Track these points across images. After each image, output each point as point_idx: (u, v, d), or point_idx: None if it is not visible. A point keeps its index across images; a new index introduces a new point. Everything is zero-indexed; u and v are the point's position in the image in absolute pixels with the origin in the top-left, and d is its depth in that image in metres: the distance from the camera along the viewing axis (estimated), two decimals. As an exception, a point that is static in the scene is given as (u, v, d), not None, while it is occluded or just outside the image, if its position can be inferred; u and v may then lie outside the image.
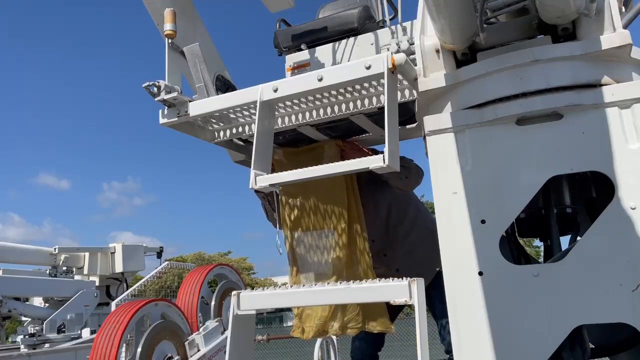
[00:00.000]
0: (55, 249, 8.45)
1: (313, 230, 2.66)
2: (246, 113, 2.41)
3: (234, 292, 1.95)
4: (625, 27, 1.68)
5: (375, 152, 2.71)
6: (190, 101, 2.31)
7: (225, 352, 2.03)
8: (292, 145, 2.76)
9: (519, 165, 1.68)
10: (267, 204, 2.99)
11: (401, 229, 2.98)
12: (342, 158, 2.57)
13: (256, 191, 2.98)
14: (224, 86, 2.70)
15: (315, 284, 2.01)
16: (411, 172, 2.76)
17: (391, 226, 2.97)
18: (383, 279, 1.83)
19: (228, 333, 1.99)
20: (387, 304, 2.57)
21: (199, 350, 4.01)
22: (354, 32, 2.80)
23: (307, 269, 2.67)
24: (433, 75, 1.86)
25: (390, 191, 2.92)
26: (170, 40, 2.34)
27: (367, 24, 2.82)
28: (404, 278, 1.71)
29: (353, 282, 1.80)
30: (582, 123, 1.63)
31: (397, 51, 2.19)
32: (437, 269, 2.77)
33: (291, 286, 2.03)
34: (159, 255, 10.20)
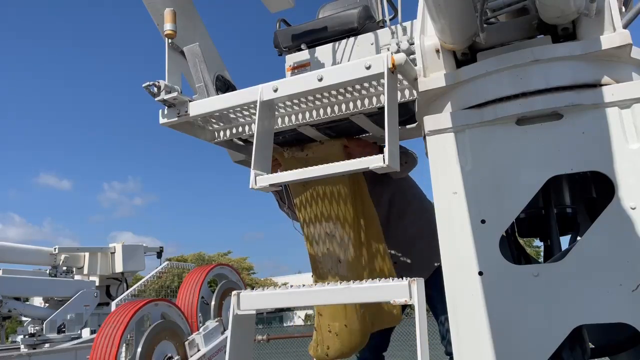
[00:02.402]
0: (55, 249, 8.44)
1: (324, 230, 2.68)
2: (246, 113, 2.41)
3: (234, 292, 1.94)
4: (625, 27, 1.68)
5: (381, 148, 2.73)
6: (190, 101, 2.31)
7: (225, 352, 2.03)
8: (297, 147, 2.77)
9: (519, 165, 1.68)
10: (279, 198, 3.02)
11: (402, 223, 2.99)
12: (348, 155, 2.58)
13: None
14: (224, 86, 2.70)
15: (315, 284, 2.01)
16: (409, 156, 2.79)
17: (392, 220, 2.98)
18: (383, 278, 1.83)
19: (228, 333, 1.99)
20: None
21: (199, 350, 4.00)
22: (354, 32, 2.80)
23: (324, 268, 2.69)
24: (433, 75, 1.86)
25: (393, 185, 2.94)
26: (170, 40, 2.34)
27: (367, 24, 2.82)
28: (404, 278, 1.71)
29: (353, 282, 1.80)
30: (582, 123, 1.63)
31: (397, 51, 2.19)
32: (436, 265, 2.78)
33: (292, 286, 2.03)
34: (159, 255, 10.21)
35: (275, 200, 3.13)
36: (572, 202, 2.01)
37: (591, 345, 1.95)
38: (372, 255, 2.67)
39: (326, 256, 2.68)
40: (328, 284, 1.86)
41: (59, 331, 7.47)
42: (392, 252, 3.01)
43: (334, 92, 2.21)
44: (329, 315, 2.64)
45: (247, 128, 2.53)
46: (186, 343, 4.00)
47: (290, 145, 2.78)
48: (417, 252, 2.98)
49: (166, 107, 2.33)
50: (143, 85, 2.23)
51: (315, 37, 2.88)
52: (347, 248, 2.63)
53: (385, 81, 1.86)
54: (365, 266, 2.65)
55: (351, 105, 2.28)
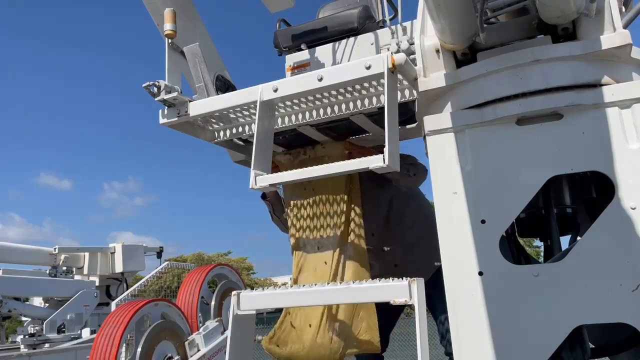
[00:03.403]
0: (55, 249, 8.44)
1: (313, 231, 2.65)
2: (246, 113, 2.41)
3: (234, 292, 1.95)
4: (625, 27, 1.68)
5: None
6: (190, 101, 2.31)
7: (225, 352, 2.03)
8: (298, 147, 2.75)
9: (519, 165, 1.68)
10: (272, 210, 3.01)
11: (401, 224, 2.98)
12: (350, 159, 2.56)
13: (263, 197, 3.00)
14: (224, 86, 2.70)
15: (315, 284, 2.01)
16: (418, 168, 2.77)
17: (392, 221, 2.97)
18: (383, 278, 1.83)
19: (228, 333, 1.99)
20: (388, 306, 2.56)
21: (199, 350, 4.00)
22: (354, 32, 2.80)
23: (307, 269, 2.65)
24: (433, 75, 1.86)
25: (392, 187, 2.92)
26: (170, 40, 2.34)
27: (367, 24, 2.82)
28: (404, 278, 1.71)
29: (353, 282, 1.81)
30: (582, 123, 1.63)
31: (397, 51, 2.19)
32: (437, 265, 2.77)
33: (291, 286, 2.03)
34: (159, 255, 10.20)
35: (264, 198, 3.10)
36: (572, 202, 2.01)
37: (591, 345, 1.95)
38: (354, 256, 2.61)
39: (312, 257, 2.63)
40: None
41: (59, 331, 7.47)
42: (393, 253, 3.00)
43: (334, 92, 2.21)
44: (297, 315, 2.51)
45: (247, 128, 2.53)
46: (186, 343, 4.00)
47: (291, 147, 2.77)
48: (417, 253, 2.97)
49: (166, 107, 2.33)
50: (143, 85, 2.23)
51: (315, 37, 2.88)
52: (333, 249, 2.59)
53: (385, 81, 1.86)
54: (345, 267, 2.58)
55: (351, 105, 2.28)
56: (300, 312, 2.53)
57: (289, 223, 2.72)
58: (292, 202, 2.73)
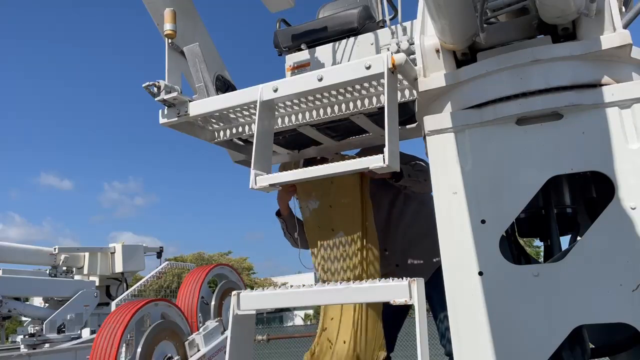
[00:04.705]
0: (55, 249, 8.42)
1: (331, 241, 2.67)
2: (246, 113, 2.41)
3: (234, 292, 1.94)
4: (625, 27, 1.69)
5: (398, 175, 2.67)
6: (190, 101, 2.31)
7: (225, 352, 2.03)
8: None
9: (519, 165, 1.68)
10: (285, 227, 3.01)
11: (402, 223, 2.98)
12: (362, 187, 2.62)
13: (277, 215, 3.00)
14: (224, 86, 2.70)
15: (314, 285, 2.01)
16: (429, 175, 2.78)
17: (393, 221, 2.97)
18: (383, 278, 1.83)
19: (228, 333, 1.99)
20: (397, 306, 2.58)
21: (199, 350, 4.01)
22: (354, 32, 2.80)
23: (330, 279, 2.68)
24: (433, 75, 1.86)
25: (394, 188, 2.93)
26: (170, 40, 2.34)
27: (367, 23, 2.82)
28: (404, 278, 1.71)
29: (353, 282, 1.80)
30: (582, 123, 1.63)
31: (397, 51, 2.19)
32: (437, 265, 2.78)
33: (292, 286, 2.03)
34: (159, 255, 10.18)
35: (278, 215, 3.10)
36: (572, 202, 2.01)
37: (591, 345, 1.95)
38: (370, 261, 2.64)
39: (331, 266, 2.66)
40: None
41: (59, 331, 7.45)
42: (394, 253, 3.00)
43: (334, 92, 2.21)
44: (332, 330, 2.63)
45: (247, 128, 2.53)
46: (186, 343, 4.00)
47: (292, 147, 2.78)
48: (418, 253, 2.97)
49: (166, 107, 2.33)
50: (143, 85, 2.23)
51: (315, 37, 2.88)
52: (352, 256, 2.62)
53: (385, 81, 1.86)
54: (362, 272, 2.63)
55: (351, 105, 2.28)
56: (332, 328, 2.63)
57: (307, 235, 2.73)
58: (307, 213, 2.74)
